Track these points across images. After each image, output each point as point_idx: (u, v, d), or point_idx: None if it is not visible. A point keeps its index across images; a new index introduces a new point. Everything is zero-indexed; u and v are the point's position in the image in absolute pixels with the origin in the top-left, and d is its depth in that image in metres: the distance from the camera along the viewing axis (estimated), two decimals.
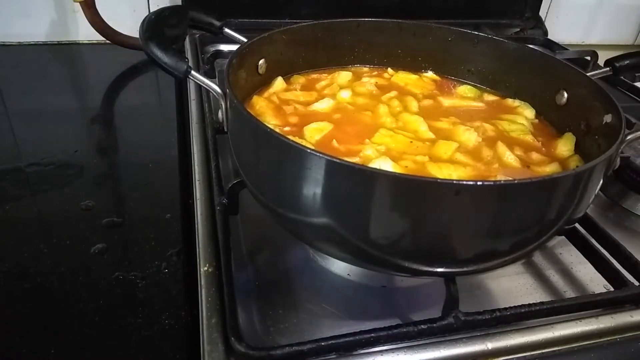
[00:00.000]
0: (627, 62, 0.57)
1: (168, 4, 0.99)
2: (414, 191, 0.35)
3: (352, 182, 0.35)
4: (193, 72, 0.41)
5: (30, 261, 0.51)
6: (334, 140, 0.49)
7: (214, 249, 0.48)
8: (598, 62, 1.01)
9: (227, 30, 0.48)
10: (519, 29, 1.12)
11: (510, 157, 0.50)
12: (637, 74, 0.86)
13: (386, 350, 0.41)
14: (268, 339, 0.44)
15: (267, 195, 0.43)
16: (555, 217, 0.39)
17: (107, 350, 0.43)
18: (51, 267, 0.50)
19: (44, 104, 0.80)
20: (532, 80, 0.59)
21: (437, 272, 0.41)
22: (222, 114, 0.45)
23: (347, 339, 0.40)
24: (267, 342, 0.43)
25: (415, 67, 0.64)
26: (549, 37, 1.11)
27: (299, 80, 0.60)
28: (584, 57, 1.03)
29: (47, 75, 0.90)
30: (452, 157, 0.49)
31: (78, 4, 0.89)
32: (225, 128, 0.46)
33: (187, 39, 0.92)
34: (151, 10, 0.98)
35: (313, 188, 0.37)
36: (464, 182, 0.34)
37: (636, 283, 0.48)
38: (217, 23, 0.46)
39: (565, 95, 0.55)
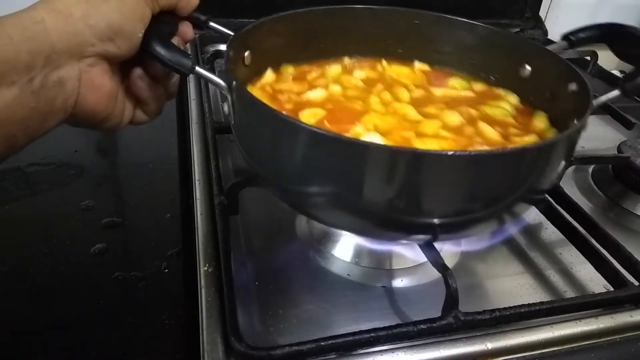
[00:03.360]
0: (582, 35, 0.60)
1: None
2: (389, 159, 0.38)
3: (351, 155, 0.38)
4: (198, 68, 0.41)
5: (30, 261, 0.51)
6: (325, 121, 0.51)
7: (214, 249, 0.48)
8: (598, 62, 1.01)
9: (212, 24, 0.48)
10: (519, 29, 1.12)
11: (490, 131, 0.53)
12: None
13: (386, 350, 0.41)
14: (268, 338, 0.44)
15: (285, 180, 0.44)
16: (517, 184, 0.41)
17: (107, 350, 0.43)
18: (51, 267, 0.50)
19: None
20: (495, 56, 0.61)
21: (423, 222, 0.42)
22: (229, 107, 0.45)
23: (347, 338, 0.40)
24: (267, 342, 0.43)
25: (384, 51, 0.65)
26: (549, 37, 1.12)
27: (289, 70, 0.60)
28: (584, 57, 1.03)
29: None
30: (436, 133, 0.51)
31: None
32: (232, 121, 0.46)
33: None
34: None
35: (335, 165, 0.39)
36: (428, 151, 0.39)
37: (636, 283, 0.48)
38: (202, 17, 0.47)
39: (528, 68, 0.59)
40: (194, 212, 0.53)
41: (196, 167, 0.60)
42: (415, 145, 0.49)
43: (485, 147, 0.51)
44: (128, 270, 0.50)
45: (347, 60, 0.64)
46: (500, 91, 0.62)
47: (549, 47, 0.58)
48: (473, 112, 0.57)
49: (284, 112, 0.41)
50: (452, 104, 0.58)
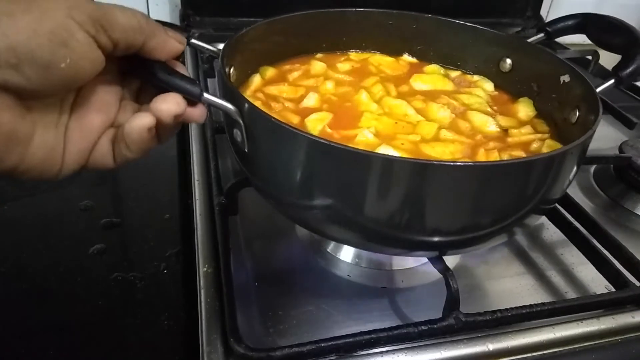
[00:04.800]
0: (559, 25, 0.62)
1: (167, 5, 0.99)
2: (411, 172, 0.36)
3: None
4: (206, 95, 0.38)
5: (29, 261, 0.51)
6: (326, 126, 0.50)
7: (214, 250, 0.48)
8: (599, 61, 1.01)
9: (193, 41, 0.46)
10: (520, 28, 1.12)
11: (489, 126, 0.53)
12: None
13: (386, 351, 0.41)
14: (267, 340, 0.43)
15: (318, 204, 0.40)
16: (530, 196, 0.40)
17: (105, 351, 0.43)
18: (50, 267, 0.50)
19: None
20: (475, 52, 0.62)
21: (430, 241, 0.41)
22: (241, 133, 0.41)
23: (347, 340, 0.40)
24: (267, 343, 0.43)
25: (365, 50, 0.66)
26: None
27: (269, 72, 0.59)
28: (585, 56, 1.03)
29: None
30: (438, 135, 0.51)
31: None
32: (245, 148, 0.42)
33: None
34: (150, 10, 0.98)
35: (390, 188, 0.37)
36: (457, 163, 0.36)
37: (637, 284, 0.48)
38: (184, 34, 0.45)
39: (509, 61, 0.59)
40: (193, 213, 0.53)
41: (195, 167, 0.59)
42: (425, 151, 0.48)
43: (492, 146, 0.50)
44: (127, 271, 0.50)
45: (326, 53, 0.64)
46: (475, 77, 0.62)
47: (529, 40, 0.59)
48: (454, 103, 0.57)
49: (316, 135, 0.38)
50: (432, 95, 0.58)
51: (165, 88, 0.35)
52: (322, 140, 0.37)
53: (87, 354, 0.43)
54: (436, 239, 0.40)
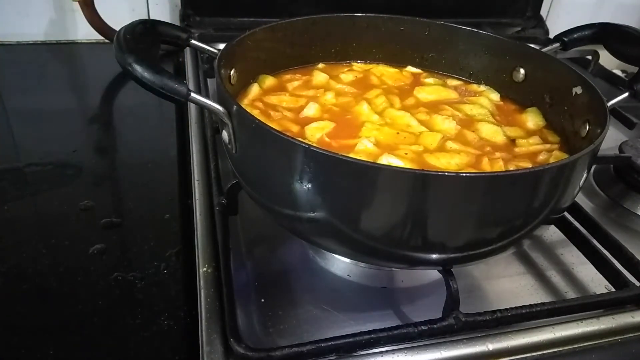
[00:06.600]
0: (575, 35, 0.61)
1: (167, 5, 0.99)
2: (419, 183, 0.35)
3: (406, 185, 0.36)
4: (193, 95, 0.38)
5: (29, 261, 0.51)
6: (325, 136, 0.50)
7: (213, 250, 0.48)
8: (599, 61, 1.01)
9: (193, 42, 0.45)
10: (520, 28, 1.12)
11: (497, 136, 0.52)
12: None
13: (386, 351, 0.41)
14: (267, 340, 0.43)
15: (302, 213, 0.40)
16: (540, 207, 0.39)
17: (105, 351, 0.43)
18: (50, 267, 0.50)
19: (43, 103, 0.80)
20: (488, 61, 0.61)
21: (432, 259, 0.41)
22: (229, 135, 0.41)
23: (347, 340, 0.40)
24: (267, 343, 0.43)
25: (371, 59, 0.65)
26: (550, 36, 1.11)
27: (268, 81, 0.58)
28: (585, 56, 1.03)
29: (46, 75, 0.90)
30: (442, 146, 0.50)
31: (77, 3, 0.89)
32: (233, 150, 0.42)
33: None
34: (150, 10, 0.97)
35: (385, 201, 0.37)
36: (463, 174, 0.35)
37: (637, 284, 0.48)
38: (184, 35, 0.44)
39: (522, 71, 0.59)
40: (193, 213, 0.53)
41: (195, 167, 0.59)
42: (429, 162, 0.47)
43: (498, 156, 0.49)
44: (127, 271, 0.50)
45: (328, 64, 0.63)
46: (482, 87, 0.62)
47: (544, 50, 0.58)
48: (458, 114, 0.56)
49: (305, 141, 0.37)
50: (435, 106, 0.58)
51: (151, 87, 0.35)
52: (311, 148, 0.35)
53: (86, 355, 0.43)
54: (441, 255, 0.40)
